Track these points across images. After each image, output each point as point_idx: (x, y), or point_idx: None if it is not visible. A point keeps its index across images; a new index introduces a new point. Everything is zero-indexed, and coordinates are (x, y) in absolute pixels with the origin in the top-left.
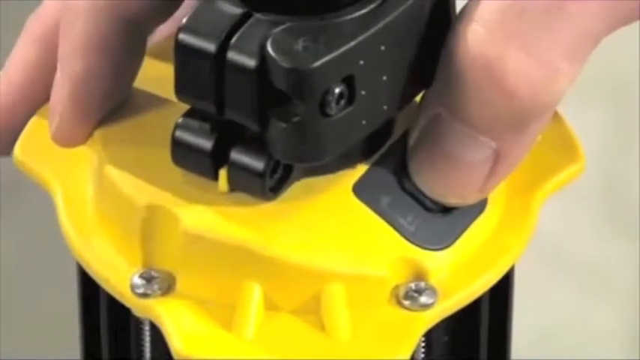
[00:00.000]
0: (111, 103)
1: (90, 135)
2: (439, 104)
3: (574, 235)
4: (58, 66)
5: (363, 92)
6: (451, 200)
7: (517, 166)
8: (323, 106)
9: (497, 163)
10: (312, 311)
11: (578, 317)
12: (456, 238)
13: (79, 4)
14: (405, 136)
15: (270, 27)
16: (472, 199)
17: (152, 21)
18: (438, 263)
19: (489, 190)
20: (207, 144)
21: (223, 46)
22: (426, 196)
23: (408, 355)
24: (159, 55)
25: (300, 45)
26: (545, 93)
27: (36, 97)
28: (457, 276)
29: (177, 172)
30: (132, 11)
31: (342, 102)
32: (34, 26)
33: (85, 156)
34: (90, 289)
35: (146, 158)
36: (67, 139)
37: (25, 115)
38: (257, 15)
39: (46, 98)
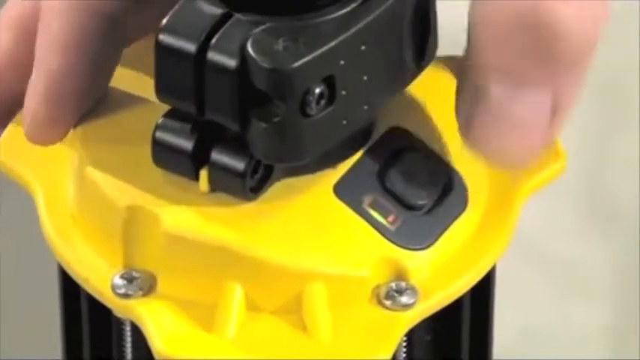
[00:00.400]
0: (87, 101)
1: (65, 134)
2: (482, 73)
3: (555, 234)
4: (34, 64)
5: (344, 92)
6: (522, 161)
7: (569, 114)
8: (303, 106)
9: (554, 113)
10: (294, 311)
11: (560, 316)
12: (437, 238)
13: (55, 3)
14: (385, 137)
15: (251, 27)
16: (538, 154)
17: (130, 17)
18: (419, 263)
19: (551, 142)
20: (187, 144)
21: (203, 47)
22: (407, 196)
23: (390, 355)
24: (141, 54)
25: (280, 45)
26: (591, 22)
27: (13, 86)
28: (438, 276)
29: (158, 173)
30: (108, 7)
31: (323, 102)
32: (11, 12)
33: (66, 156)
34: (71, 290)
35: (127, 159)
36: (40, 136)
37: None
38: (237, 15)
39: (22, 87)
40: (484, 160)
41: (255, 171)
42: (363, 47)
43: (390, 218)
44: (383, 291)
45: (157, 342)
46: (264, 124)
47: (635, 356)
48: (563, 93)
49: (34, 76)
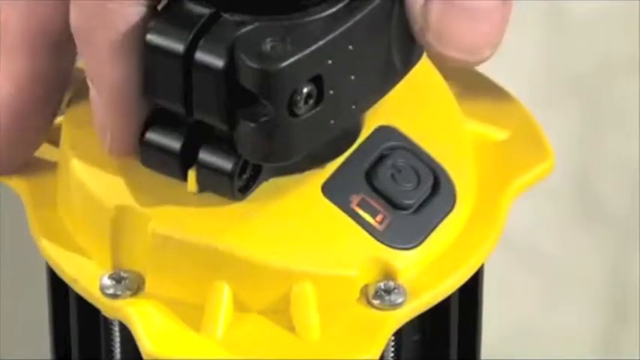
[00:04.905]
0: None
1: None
2: None
3: (543, 233)
4: (90, 81)
5: (332, 92)
6: (477, 50)
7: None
8: (291, 106)
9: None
10: (282, 311)
11: (548, 316)
12: (426, 237)
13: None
14: (373, 136)
15: (238, 27)
16: (493, 43)
17: None
18: (407, 262)
19: (503, 32)
20: (175, 144)
21: (191, 47)
22: (395, 195)
23: (378, 355)
24: None
25: (267, 45)
26: None
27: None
28: (426, 275)
29: (146, 172)
30: None
31: (311, 102)
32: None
33: (53, 155)
34: (60, 290)
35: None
36: (128, 148)
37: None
38: (225, 15)
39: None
40: (442, 54)
41: (243, 171)
42: (350, 47)
43: (378, 218)
44: (371, 290)
45: (145, 342)
46: (251, 124)
47: (624, 356)
48: None
49: (95, 96)
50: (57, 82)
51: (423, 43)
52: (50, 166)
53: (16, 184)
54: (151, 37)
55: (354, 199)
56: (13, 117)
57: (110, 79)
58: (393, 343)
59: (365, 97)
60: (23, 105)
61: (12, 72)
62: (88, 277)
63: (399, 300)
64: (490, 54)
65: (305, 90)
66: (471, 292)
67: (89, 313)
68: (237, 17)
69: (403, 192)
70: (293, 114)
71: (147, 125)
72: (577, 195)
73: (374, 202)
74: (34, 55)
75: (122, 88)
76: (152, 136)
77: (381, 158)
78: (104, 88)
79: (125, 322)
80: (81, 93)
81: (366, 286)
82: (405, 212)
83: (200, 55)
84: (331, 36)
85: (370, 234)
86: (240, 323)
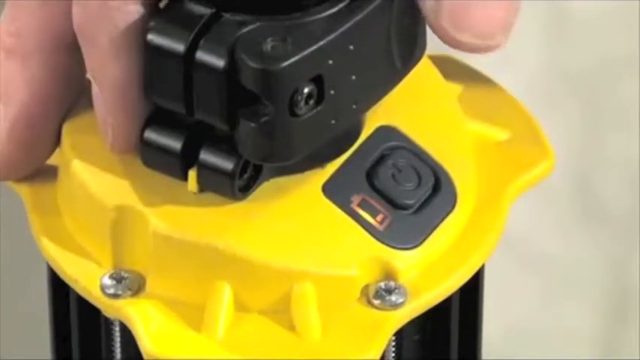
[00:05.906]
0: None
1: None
2: None
3: (544, 233)
4: (92, 78)
5: (332, 92)
6: (495, 39)
7: None
8: (292, 105)
9: None
10: (283, 311)
11: (549, 316)
12: (426, 237)
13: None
14: (374, 136)
15: (239, 27)
16: (506, 28)
17: None
18: (407, 262)
19: (515, 15)
20: (176, 144)
21: (192, 47)
22: (396, 195)
23: (379, 355)
24: None
25: (268, 45)
26: None
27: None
28: (427, 275)
29: (146, 172)
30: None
31: (311, 102)
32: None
33: (54, 157)
34: (60, 290)
35: (115, 158)
36: (129, 147)
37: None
38: (226, 15)
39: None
40: (456, 39)
41: (244, 171)
42: (351, 47)
43: (379, 218)
44: (372, 290)
45: (145, 342)
46: (252, 124)
47: (624, 356)
48: None
49: (96, 92)
50: (71, 83)
51: (437, 28)
52: (51, 167)
53: (17, 185)
54: (152, 37)
55: (355, 199)
56: (29, 120)
57: (111, 76)
58: (393, 343)
59: (366, 97)
60: (39, 108)
61: (27, 77)
62: (88, 277)
63: (400, 300)
64: (504, 39)
65: (306, 90)
66: (471, 292)
67: (90, 313)
68: (237, 17)
69: (404, 192)
70: (294, 114)
71: (148, 125)
72: (577, 195)
73: (374, 202)
74: (50, 57)
75: (123, 86)
76: (153, 135)
77: (382, 158)
78: (105, 85)
79: (126, 322)
80: (80, 95)
81: (366, 286)
82: (405, 212)
83: (201, 55)
84: (332, 36)
85: (371, 234)
86: (241, 323)
